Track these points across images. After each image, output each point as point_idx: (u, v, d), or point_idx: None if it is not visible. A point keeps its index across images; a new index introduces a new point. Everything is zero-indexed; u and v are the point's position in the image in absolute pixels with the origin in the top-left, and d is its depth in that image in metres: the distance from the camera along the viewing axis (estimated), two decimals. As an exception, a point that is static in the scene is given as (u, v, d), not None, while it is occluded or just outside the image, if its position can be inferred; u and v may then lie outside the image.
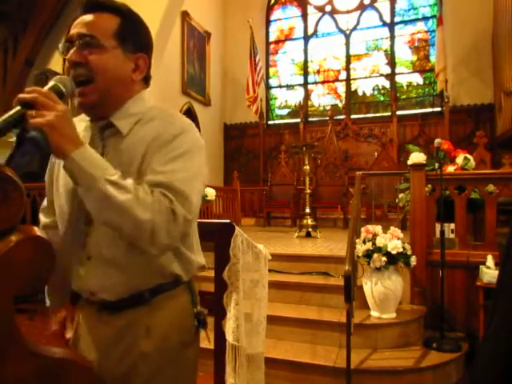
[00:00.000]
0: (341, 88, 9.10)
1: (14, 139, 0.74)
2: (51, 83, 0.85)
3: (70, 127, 0.80)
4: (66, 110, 0.79)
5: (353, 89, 8.95)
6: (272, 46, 9.73)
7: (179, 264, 0.98)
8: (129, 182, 0.83)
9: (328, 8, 9.25)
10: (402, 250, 2.91)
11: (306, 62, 9.36)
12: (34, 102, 0.76)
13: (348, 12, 9.07)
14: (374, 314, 2.96)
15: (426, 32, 8.50)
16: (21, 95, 0.77)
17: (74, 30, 0.92)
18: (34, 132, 0.75)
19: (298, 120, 8.82)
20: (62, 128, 0.77)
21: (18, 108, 0.76)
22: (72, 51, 0.90)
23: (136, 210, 0.80)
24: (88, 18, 0.92)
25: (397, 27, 8.70)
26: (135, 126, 0.95)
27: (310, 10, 9.41)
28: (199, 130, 1.02)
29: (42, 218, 1.13)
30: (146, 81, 1.03)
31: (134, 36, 0.97)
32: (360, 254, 2.94)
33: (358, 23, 8.98)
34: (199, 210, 0.97)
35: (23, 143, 0.74)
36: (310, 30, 9.36)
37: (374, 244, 2.93)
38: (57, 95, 0.81)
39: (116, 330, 0.94)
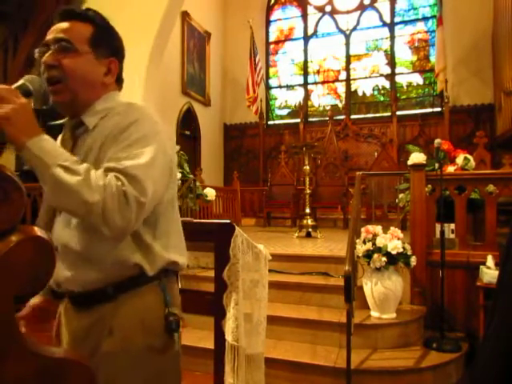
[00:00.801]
0: (341, 88, 9.10)
1: None
2: (20, 82, 0.90)
3: (27, 119, 0.83)
4: (24, 104, 0.83)
5: (353, 89, 8.96)
6: (272, 46, 9.73)
7: (141, 254, 0.96)
8: (82, 166, 0.85)
9: (328, 8, 9.26)
10: (402, 250, 2.91)
11: (305, 62, 9.36)
12: None
13: (348, 12, 9.08)
14: (374, 314, 2.96)
15: (426, 32, 8.51)
16: None
17: (50, 36, 0.99)
18: None
19: (298, 120, 8.82)
20: (17, 120, 0.80)
21: None
22: (47, 54, 0.97)
23: (84, 192, 0.82)
24: (64, 25, 1.00)
25: (397, 27, 8.70)
26: (100, 121, 1.00)
27: (310, 10, 9.41)
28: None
29: None
30: (120, 83, 1.10)
31: (106, 43, 1.04)
32: (360, 254, 2.94)
33: (357, 23, 8.98)
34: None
35: None
36: (310, 30, 9.37)
37: (374, 244, 2.93)
38: (24, 92, 0.87)
39: (84, 328, 0.95)
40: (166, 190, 1.00)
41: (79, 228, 0.94)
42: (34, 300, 1.10)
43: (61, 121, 1.08)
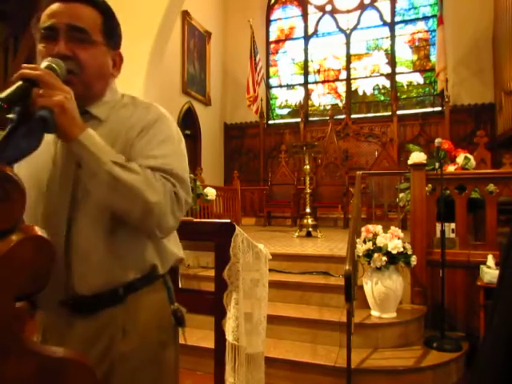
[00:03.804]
0: (341, 87, 9.10)
1: (12, 116, 0.68)
2: (45, 63, 0.79)
3: (76, 110, 0.78)
4: (71, 92, 0.77)
5: (353, 88, 8.95)
6: (272, 46, 9.72)
7: (156, 252, 0.95)
8: (134, 164, 0.83)
9: (328, 7, 9.25)
10: (402, 249, 2.91)
11: (306, 61, 9.36)
12: (39, 79, 0.73)
13: (348, 11, 9.07)
14: (375, 313, 2.96)
15: (427, 31, 8.50)
16: (24, 70, 0.73)
17: (57, 19, 0.86)
18: (42, 111, 0.70)
19: (299, 120, 8.82)
20: (71, 110, 0.75)
21: (21, 83, 0.71)
22: (60, 43, 0.86)
23: (146, 192, 0.80)
24: (72, 8, 0.88)
25: (397, 27, 8.69)
26: (112, 112, 0.96)
27: (311, 9, 9.41)
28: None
29: None
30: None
31: (115, 33, 0.97)
32: (360, 254, 2.94)
33: (358, 23, 8.97)
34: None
35: (24, 122, 0.68)
36: (311, 30, 9.36)
37: (374, 244, 2.93)
38: None
39: (92, 331, 0.89)
40: None
41: (89, 228, 0.88)
42: None
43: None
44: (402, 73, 8.63)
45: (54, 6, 0.88)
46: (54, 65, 0.80)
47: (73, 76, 0.87)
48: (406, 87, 8.62)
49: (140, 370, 0.92)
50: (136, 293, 0.93)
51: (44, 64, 0.80)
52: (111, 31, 0.95)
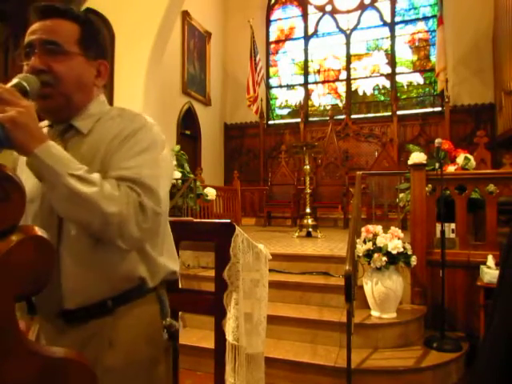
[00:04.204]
0: (341, 88, 9.10)
1: None
2: (15, 80, 0.83)
3: (34, 123, 0.78)
4: (29, 107, 0.78)
5: (353, 88, 8.95)
6: (272, 46, 9.73)
7: (145, 265, 0.94)
8: (95, 175, 0.82)
9: (328, 8, 9.25)
10: (402, 249, 2.91)
11: (306, 61, 9.36)
12: None
13: (348, 12, 9.07)
14: (375, 313, 2.96)
15: (427, 32, 8.50)
16: None
17: (34, 36, 0.91)
18: None
19: (299, 120, 8.82)
20: (24, 124, 0.75)
21: None
22: (34, 58, 0.89)
23: (102, 203, 0.79)
24: (48, 24, 0.91)
25: (397, 27, 8.70)
26: (96, 125, 0.95)
27: (311, 9, 9.41)
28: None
29: None
30: (104, 85, 1.05)
31: (95, 43, 0.98)
32: (360, 254, 2.94)
33: (358, 23, 8.98)
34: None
35: None
36: (311, 30, 9.36)
37: (374, 244, 2.93)
38: (21, 93, 0.80)
39: (78, 342, 0.89)
40: None
41: (77, 239, 0.88)
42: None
43: (42, 124, 0.98)
44: (402, 73, 8.63)
45: (34, 25, 0.92)
46: (22, 81, 0.82)
47: (51, 88, 0.89)
48: (406, 87, 8.62)
49: None
50: (126, 305, 0.92)
51: (13, 81, 0.82)
52: (90, 42, 0.96)
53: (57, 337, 0.91)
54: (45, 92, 0.88)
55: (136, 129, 0.92)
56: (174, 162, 4.52)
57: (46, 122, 1.00)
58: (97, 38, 1.00)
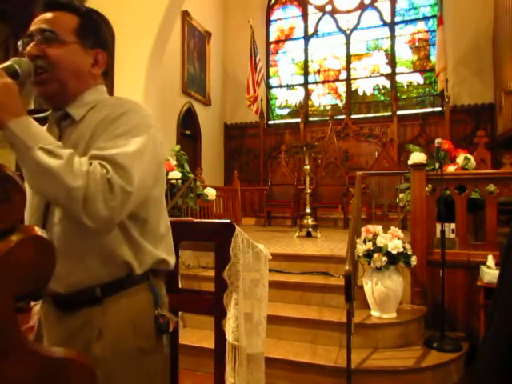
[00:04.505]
0: (341, 88, 9.10)
1: None
2: (7, 63, 0.88)
3: (11, 98, 0.80)
4: (8, 83, 0.81)
5: (353, 88, 8.95)
6: (272, 46, 9.73)
7: (130, 250, 0.93)
8: (66, 150, 0.82)
9: (328, 8, 9.25)
10: (402, 249, 2.91)
11: (306, 61, 9.36)
12: None
13: (348, 12, 9.08)
14: (375, 313, 2.96)
15: (427, 32, 8.50)
16: None
17: (34, 27, 0.96)
18: None
19: (299, 120, 8.82)
20: (0, 99, 0.78)
21: None
22: (31, 45, 0.94)
23: (67, 177, 0.79)
24: (48, 15, 0.97)
25: (397, 27, 8.70)
26: (88, 113, 0.98)
27: (311, 9, 9.41)
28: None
29: None
30: (106, 76, 1.08)
31: (93, 33, 1.02)
32: (360, 254, 2.94)
33: (358, 23, 8.98)
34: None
35: None
36: (311, 30, 9.37)
37: (374, 244, 2.93)
38: (11, 74, 0.84)
39: (70, 331, 0.91)
40: (155, 185, 0.97)
41: (62, 221, 0.90)
42: (36, 307, 1.06)
43: (44, 114, 1.04)
44: (402, 73, 8.63)
45: (35, 18, 0.98)
46: (14, 64, 0.88)
47: (46, 74, 0.94)
48: (406, 87, 8.62)
49: (114, 376, 0.89)
50: (116, 295, 0.93)
51: (6, 63, 0.88)
52: (88, 32, 1.00)
53: (55, 324, 0.95)
54: (41, 78, 0.93)
55: (122, 112, 0.93)
56: (174, 162, 4.52)
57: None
58: (97, 30, 1.03)
